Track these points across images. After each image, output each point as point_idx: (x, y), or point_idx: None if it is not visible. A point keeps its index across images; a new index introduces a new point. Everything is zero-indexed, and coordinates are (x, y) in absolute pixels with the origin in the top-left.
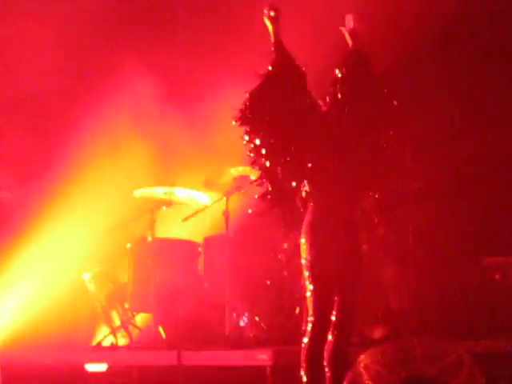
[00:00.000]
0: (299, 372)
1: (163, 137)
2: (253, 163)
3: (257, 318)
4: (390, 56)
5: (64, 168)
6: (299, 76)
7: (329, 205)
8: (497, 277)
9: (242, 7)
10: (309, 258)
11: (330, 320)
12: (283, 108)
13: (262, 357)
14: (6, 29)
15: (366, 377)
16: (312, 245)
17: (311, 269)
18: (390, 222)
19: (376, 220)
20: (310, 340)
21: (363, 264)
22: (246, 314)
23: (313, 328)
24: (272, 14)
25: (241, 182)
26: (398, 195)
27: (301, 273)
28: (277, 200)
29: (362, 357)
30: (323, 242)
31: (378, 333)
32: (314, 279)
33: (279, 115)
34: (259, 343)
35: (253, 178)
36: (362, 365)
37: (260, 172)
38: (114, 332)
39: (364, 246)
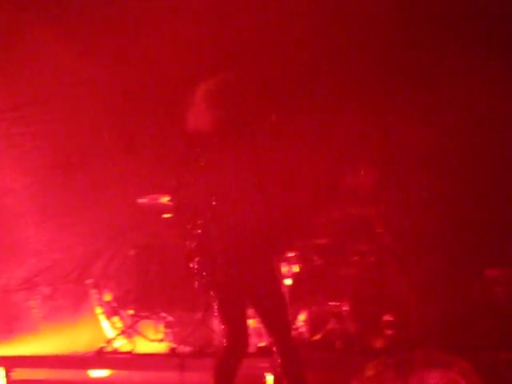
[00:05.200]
0: None
1: None
2: None
3: None
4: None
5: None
6: None
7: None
8: (498, 288)
9: None
10: None
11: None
12: None
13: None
14: None
15: None
16: None
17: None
18: (393, 233)
19: (380, 230)
20: None
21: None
22: None
23: None
24: None
25: None
26: (402, 205)
27: None
28: None
29: (366, 369)
30: None
31: (379, 342)
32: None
33: None
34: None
35: None
36: (365, 376)
37: None
38: (116, 338)
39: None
